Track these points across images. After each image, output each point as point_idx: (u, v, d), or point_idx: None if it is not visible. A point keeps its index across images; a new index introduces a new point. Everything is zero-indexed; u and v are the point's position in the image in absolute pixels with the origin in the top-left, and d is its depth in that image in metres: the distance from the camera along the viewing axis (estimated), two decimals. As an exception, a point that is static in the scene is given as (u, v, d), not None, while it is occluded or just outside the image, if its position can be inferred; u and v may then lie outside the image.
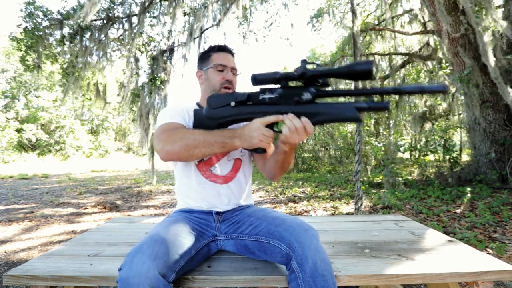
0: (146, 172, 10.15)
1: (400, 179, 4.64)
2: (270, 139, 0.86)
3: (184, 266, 0.85)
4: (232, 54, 1.17)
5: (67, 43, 5.75)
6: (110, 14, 5.86)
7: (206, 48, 1.20)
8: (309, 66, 0.80)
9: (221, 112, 0.97)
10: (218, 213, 1.08)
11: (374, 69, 0.67)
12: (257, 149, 0.91)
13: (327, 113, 0.79)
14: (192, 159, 0.96)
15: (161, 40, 6.58)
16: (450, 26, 3.98)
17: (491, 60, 3.47)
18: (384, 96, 0.74)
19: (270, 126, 0.88)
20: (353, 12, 2.79)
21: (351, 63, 0.74)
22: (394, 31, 6.71)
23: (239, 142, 0.89)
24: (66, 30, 5.69)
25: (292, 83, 0.86)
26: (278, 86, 0.88)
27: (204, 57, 1.16)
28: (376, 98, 0.75)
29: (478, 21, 3.56)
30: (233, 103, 0.94)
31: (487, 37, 3.54)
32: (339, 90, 0.80)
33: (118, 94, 6.47)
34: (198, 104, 1.20)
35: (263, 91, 0.90)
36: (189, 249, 0.89)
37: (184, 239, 0.90)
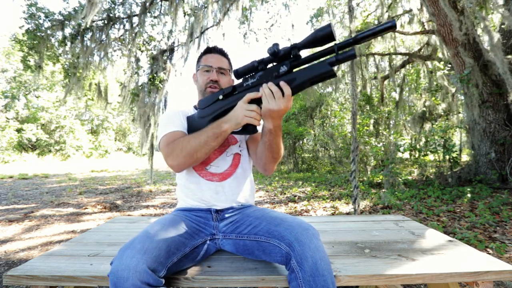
0: (146, 172, 10.15)
1: (400, 179, 4.64)
2: (255, 113, 0.89)
3: (177, 263, 0.85)
4: (223, 54, 1.18)
5: (68, 43, 5.75)
6: (111, 14, 5.86)
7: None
8: (283, 48, 0.87)
9: (211, 108, 1.03)
10: (217, 211, 1.08)
11: (333, 31, 0.78)
12: (248, 127, 0.96)
13: (303, 75, 0.84)
14: (200, 161, 1.00)
15: (161, 39, 6.59)
16: (458, 22, 3.93)
17: (499, 54, 3.42)
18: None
19: (256, 103, 0.92)
20: (350, 9, 2.77)
21: (313, 31, 0.80)
22: (396, 31, 6.71)
23: (227, 125, 0.92)
24: (67, 31, 5.70)
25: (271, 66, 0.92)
26: (258, 71, 0.94)
27: (197, 60, 1.21)
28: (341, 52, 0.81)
29: (484, 16, 3.55)
30: (221, 97, 1.00)
31: (495, 33, 3.51)
32: (310, 55, 0.84)
33: (119, 95, 6.47)
34: (195, 107, 1.21)
35: (245, 79, 0.96)
36: (182, 246, 0.89)
37: (178, 236, 0.90)
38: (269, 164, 1.06)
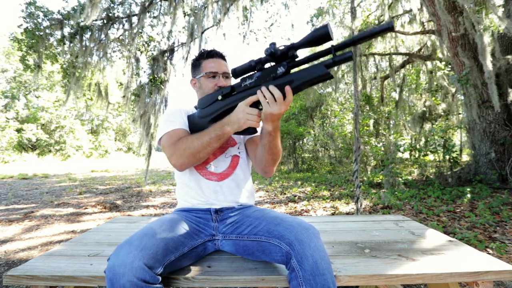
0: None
1: (400, 179, 4.64)
2: (256, 116, 0.90)
3: (174, 262, 0.85)
4: (223, 58, 1.17)
5: (67, 43, 5.74)
6: (110, 14, 5.85)
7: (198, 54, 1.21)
8: (281, 48, 0.86)
9: (211, 108, 1.04)
10: (216, 211, 1.08)
11: (330, 31, 0.76)
12: (248, 129, 0.96)
13: (301, 77, 0.84)
14: (202, 160, 1.02)
15: (161, 40, 6.59)
16: (452, 25, 3.97)
17: (488, 60, 3.47)
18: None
19: (255, 106, 0.93)
20: (352, 11, 2.78)
21: (310, 31, 0.80)
22: (394, 31, 6.71)
23: (229, 127, 0.94)
24: (66, 30, 5.69)
25: (268, 66, 0.93)
26: (256, 71, 0.94)
27: (195, 65, 1.18)
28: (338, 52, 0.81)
29: (478, 20, 3.56)
30: (220, 97, 1.01)
31: (486, 37, 3.54)
32: (308, 56, 0.84)
33: (123, 96, 6.44)
34: (195, 107, 1.21)
35: (244, 79, 0.97)
36: (181, 245, 0.90)
37: (177, 235, 0.90)
38: (269, 166, 1.07)
